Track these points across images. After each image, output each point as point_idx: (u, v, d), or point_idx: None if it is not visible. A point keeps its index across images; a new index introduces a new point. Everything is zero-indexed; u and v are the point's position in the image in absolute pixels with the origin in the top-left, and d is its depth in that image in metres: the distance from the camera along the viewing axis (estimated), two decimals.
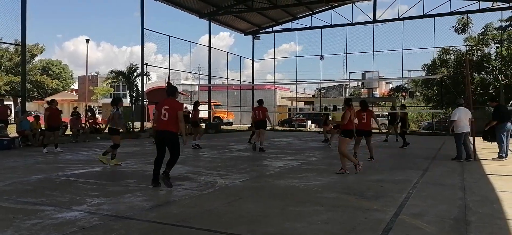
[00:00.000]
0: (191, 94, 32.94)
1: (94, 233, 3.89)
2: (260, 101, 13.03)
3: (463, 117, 9.96)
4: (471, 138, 10.79)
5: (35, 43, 39.81)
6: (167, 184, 6.06)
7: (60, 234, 3.82)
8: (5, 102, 16.87)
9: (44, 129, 11.84)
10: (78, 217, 4.44)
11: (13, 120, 19.13)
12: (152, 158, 10.23)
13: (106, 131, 9.42)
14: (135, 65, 23.23)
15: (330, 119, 15.33)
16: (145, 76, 21.17)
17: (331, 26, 26.33)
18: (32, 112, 25.15)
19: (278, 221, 4.33)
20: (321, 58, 27.39)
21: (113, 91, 43.11)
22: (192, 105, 14.71)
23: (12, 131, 14.79)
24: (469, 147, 10.15)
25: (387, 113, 24.22)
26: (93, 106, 40.42)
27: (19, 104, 14.95)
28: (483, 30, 24.84)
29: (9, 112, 16.02)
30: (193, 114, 14.07)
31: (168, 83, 7.08)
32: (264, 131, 12.55)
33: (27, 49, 16.83)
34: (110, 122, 9.13)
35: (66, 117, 17.82)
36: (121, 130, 9.09)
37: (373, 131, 10.50)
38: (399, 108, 17.61)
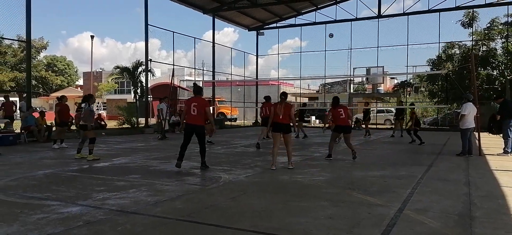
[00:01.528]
0: None
1: (99, 227, 3.92)
2: (267, 98, 12.62)
3: (472, 113, 9.92)
4: (476, 134, 10.74)
5: (40, 37, 40.04)
6: (206, 168, 7.50)
7: (66, 229, 3.85)
8: (11, 99, 16.97)
9: (56, 124, 11.97)
10: (84, 212, 4.47)
11: (18, 115, 19.25)
12: (157, 154, 10.36)
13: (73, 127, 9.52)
14: (140, 61, 23.30)
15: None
16: (149, 73, 21.22)
17: (335, 21, 26.20)
18: (37, 108, 25.30)
19: (282, 216, 4.34)
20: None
21: (118, 87, 43.28)
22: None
23: (17, 126, 14.90)
24: (472, 143, 10.10)
25: (392, 109, 24.15)
26: (98, 103, 40.67)
27: (23, 101, 15.04)
28: (489, 25, 24.62)
29: (14, 108, 16.13)
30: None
31: (194, 83, 7.96)
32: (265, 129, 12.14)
33: (31, 45, 16.91)
34: (81, 118, 9.26)
35: (70, 113, 17.91)
36: (91, 124, 9.12)
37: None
38: (408, 105, 17.65)
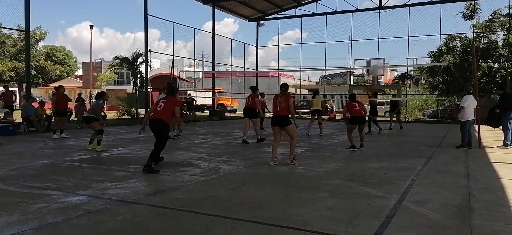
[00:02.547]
0: (195, 81, 32.97)
1: (99, 217, 3.93)
2: (253, 88, 11.50)
3: (471, 105, 9.92)
4: (476, 126, 10.75)
5: (38, 26, 39.79)
6: (148, 171, 6.10)
7: (66, 218, 3.86)
8: (10, 88, 16.95)
9: (53, 114, 11.98)
10: (84, 201, 4.49)
11: (18, 105, 19.27)
12: None
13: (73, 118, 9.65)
14: (139, 52, 23.26)
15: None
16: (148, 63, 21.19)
17: (336, 12, 26.07)
18: (37, 98, 25.26)
19: (282, 207, 4.35)
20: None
21: (117, 78, 43.21)
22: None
23: (17, 116, 14.90)
24: (472, 136, 10.11)
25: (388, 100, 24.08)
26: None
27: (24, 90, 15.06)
28: (490, 17, 24.50)
29: (14, 98, 16.11)
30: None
31: (168, 83, 7.39)
32: (247, 121, 10.99)
33: (30, 34, 16.84)
34: (88, 111, 9.38)
35: (71, 103, 17.91)
36: (98, 117, 9.14)
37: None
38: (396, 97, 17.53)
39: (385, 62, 26.02)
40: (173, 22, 21.98)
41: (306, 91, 41.15)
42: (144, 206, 4.35)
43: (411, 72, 31.86)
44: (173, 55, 22.10)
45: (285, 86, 7.46)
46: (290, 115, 7.20)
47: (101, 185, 5.31)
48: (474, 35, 24.42)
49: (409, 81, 31.04)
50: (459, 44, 25.23)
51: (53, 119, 13.28)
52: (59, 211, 4.08)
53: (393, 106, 17.26)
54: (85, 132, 13.65)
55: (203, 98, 29.33)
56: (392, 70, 37.82)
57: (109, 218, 3.89)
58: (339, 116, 25.79)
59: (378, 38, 25.39)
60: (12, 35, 35.38)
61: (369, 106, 16.00)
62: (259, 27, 29.48)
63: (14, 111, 15.53)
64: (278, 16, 28.70)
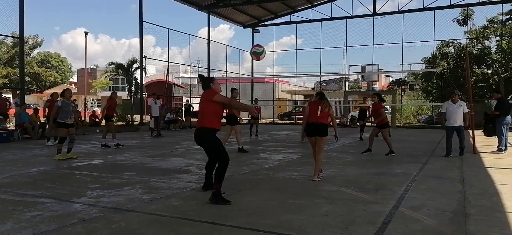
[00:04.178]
0: (190, 88, 32.92)
1: (94, 225, 3.89)
2: (233, 90, 9.97)
3: None
4: (470, 132, 10.81)
5: (35, 34, 39.71)
6: (220, 202, 4.73)
7: (60, 226, 3.82)
8: (4, 95, 16.82)
9: (46, 121, 11.85)
10: (78, 209, 4.44)
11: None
12: (151, 151, 10.31)
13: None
14: (134, 58, 23.24)
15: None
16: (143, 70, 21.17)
17: (330, 19, 26.25)
18: (32, 105, 25.08)
19: (277, 214, 4.34)
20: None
21: (112, 84, 43.07)
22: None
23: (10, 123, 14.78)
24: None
25: (388, 107, 24.12)
26: (92, 100, 40.40)
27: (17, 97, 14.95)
28: (486, 23, 24.76)
29: (8, 105, 15.97)
30: (107, 106, 11.78)
31: (200, 75, 5.66)
32: (236, 128, 10.26)
33: (25, 41, 16.77)
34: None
35: None
36: (67, 122, 8.69)
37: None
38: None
39: (379, 68, 26.19)
40: (168, 28, 22.05)
41: (301, 97, 41.24)
42: (138, 214, 4.32)
43: (406, 78, 32.09)
44: (169, 61, 22.08)
45: (322, 94, 6.63)
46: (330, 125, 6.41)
47: (95, 193, 5.27)
48: (468, 41, 24.66)
49: (403, 87, 31.23)
50: (452, 50, 25.47)
51: (47, 126, 13.18)
52: (53, 219, 4.04)
53: (362, 114, 16.03)
54: (79, 138, 13.55)
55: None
56: (386, 76, 38.05)
57: (103, 226, 3.85)
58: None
59: (373, 44, 25.59)
60: (5, 42, 35.21)
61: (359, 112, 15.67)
62: (254, 33, 29.57)
63: (8, 119, 15.39)
64: (273, 22, 28.84)
